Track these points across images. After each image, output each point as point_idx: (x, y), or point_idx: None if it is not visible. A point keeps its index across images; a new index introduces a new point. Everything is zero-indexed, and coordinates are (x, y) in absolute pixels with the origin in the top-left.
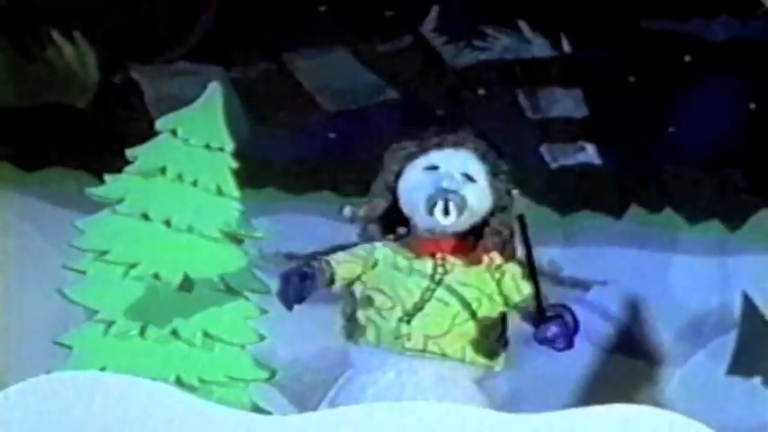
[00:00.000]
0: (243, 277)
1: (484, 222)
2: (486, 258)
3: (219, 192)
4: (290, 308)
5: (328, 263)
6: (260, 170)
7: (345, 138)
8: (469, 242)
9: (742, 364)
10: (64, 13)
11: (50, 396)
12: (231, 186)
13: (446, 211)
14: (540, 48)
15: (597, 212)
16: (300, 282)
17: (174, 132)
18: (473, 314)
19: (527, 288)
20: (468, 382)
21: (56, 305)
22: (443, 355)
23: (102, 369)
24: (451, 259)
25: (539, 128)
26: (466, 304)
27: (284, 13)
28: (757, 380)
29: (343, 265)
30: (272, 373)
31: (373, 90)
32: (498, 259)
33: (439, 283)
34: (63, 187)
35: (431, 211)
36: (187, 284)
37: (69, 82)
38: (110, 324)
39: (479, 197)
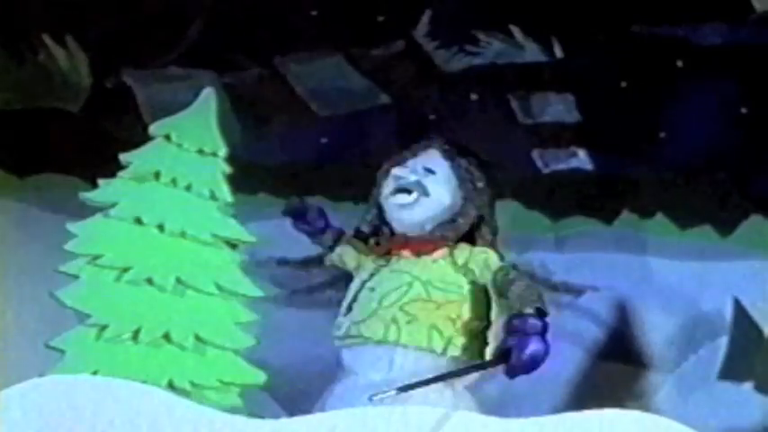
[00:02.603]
0: (235, 282)
1: (471, 232)
2: (438, 251)
3: (213, 196)
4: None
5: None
6: (252, 175)
7: (338, 143)
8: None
9: (733, 369)
10: (56, 17)
11: (43, 399)
12: (224, 191)
13: (404, 191)
14: (532, 53)
15: (589, 218)
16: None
17: (167, 137)
18: (403, 297)
19: (494, 265)
20: (459, 389)
21: (48, 309)
22: (367, 338)
23: (95, 373)
24: (403, 254)
25: (531, 133)
26: (393, 289)
27: (276, 18)
28: (749, 385)
29: (348, 250)
30: (265, 378)
31: (365, 95)
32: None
33: (372, 275)
34: (56, 192)
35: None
36: (180, 289)
37: (62, 86)
38: (102, 328)
39: (437, 185)
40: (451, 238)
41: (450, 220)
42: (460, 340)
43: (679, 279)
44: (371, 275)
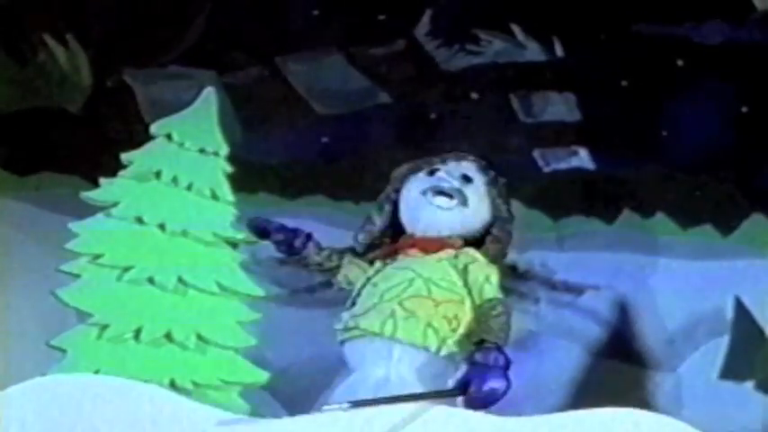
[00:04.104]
0: (237, 281)
1: (483, 234)
2: (444, 250)
3: (214, 196)
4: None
5: (341, 257)
6: (253, 174)
7: (338, 142)
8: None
9: (734, 368)
10: (56, 17)
11: (45, 399)
12: (225, 190)
13: (445, 194)
14: (533, 52)
15: (590, 217)
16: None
17: (168, 136)
18: (403, 293)
19: (491, 292)
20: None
21: (50, 308)
22: (364, 330)
23: (96, 372)
24: (410, 252)
25: (531, 132)
26: (396, 284)
27: (277, 17)
28: (749, 384)
29: (352, 268)
30: (266, 377)
31: (366, 94)
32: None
33: (378, 271)
34: (56, 191)
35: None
36: (181, 288)
37: (62, 86)
38: (104, 327)
39: (476, 197)
40: (460, 245)
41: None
42: (454, 340)
43: (680, 278)
44: (377, 272)
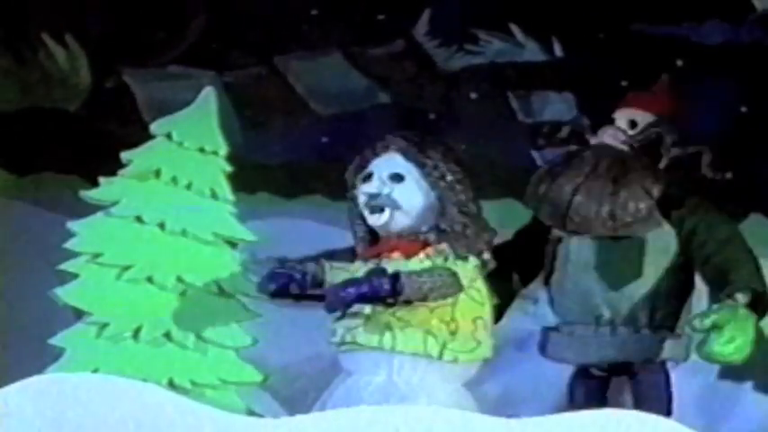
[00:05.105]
0: (236, 281)
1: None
2: (423, 252)
3: (213, 195)
4: (270, 294)
5: (322, 268)
6: (252, 174)
7: (338, 142)
8: (423, 242)
9: (733, 368)
10: (56, 16)
11: (43, 397)
12: (225, 190)
13: (377, 210)
14: (532, 51)
15: None
16: (285, 282)
17: (168, 136)
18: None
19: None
20: (458, 385)
21: (49, 307)
22: (362, 345)
23: (95, 371)
24: (393, 256)
25: (530, 131)
26: None
27: (277, 17)
28: (748, 384)
29: (336, 273)
30: (265, 377)
31: (365, 94)
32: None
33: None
34: (56, 191)
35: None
36: (180, 287)
37: (61, 86)
38: (103, 326)
39: (407, 194)
40: (435, 240)
41: (435, 226)
42: (455, 343)
43: None
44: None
